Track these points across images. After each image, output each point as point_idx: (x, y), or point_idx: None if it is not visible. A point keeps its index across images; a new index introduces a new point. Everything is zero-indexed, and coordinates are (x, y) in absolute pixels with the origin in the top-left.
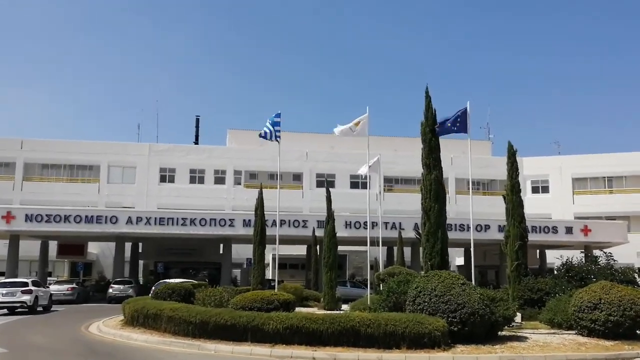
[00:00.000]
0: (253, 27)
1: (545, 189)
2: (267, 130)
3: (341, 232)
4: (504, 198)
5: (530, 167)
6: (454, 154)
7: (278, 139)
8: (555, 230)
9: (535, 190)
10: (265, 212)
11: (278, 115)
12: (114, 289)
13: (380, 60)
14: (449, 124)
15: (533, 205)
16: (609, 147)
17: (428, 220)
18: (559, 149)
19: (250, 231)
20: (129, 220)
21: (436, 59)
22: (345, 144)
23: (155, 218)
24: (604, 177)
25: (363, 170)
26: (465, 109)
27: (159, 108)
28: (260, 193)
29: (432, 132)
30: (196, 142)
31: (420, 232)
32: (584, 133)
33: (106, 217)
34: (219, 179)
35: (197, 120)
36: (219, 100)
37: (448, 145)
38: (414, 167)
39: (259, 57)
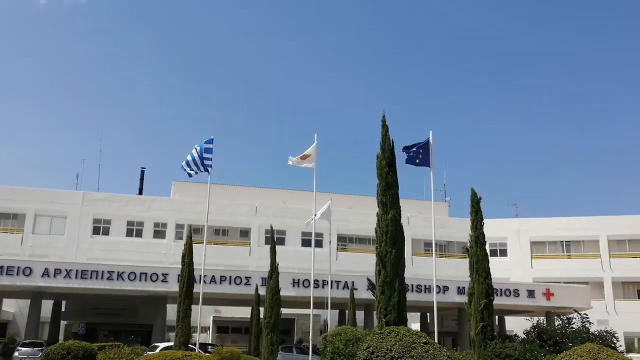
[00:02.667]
0: (206, 78)
1: (504, 252)
2: (192, 159)
3: (288, 291)
4: (467, 251)
5: (487, 230)
6: (410, 213)
7: (209, 169)
8: (516, 293)
9: (493, 253)
10: (204, 268)
11: (210, 142)
12: (20, 353)
13: (334, 115)
14: (412, 154)
15: (491, 269)
16: (567, 210)
17: (383, 267)
18: (517, 211)
19: None
20: (46, 273)
21: (395, 123)
22: (297, 199)
23: (77, 271)
24: (562, 242)
25: (315, 218)
26: (428, 141)
27: (103, 159)
28: (190, 237)
29: (389, 166)
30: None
31: (374, 282)
32: (541, 196)
33: (18, 267)
34: (159, 233)
35: (142, 172)
36: (166, 152)
37: (404, 205)
38: (369, 225)
39: (209, 110)
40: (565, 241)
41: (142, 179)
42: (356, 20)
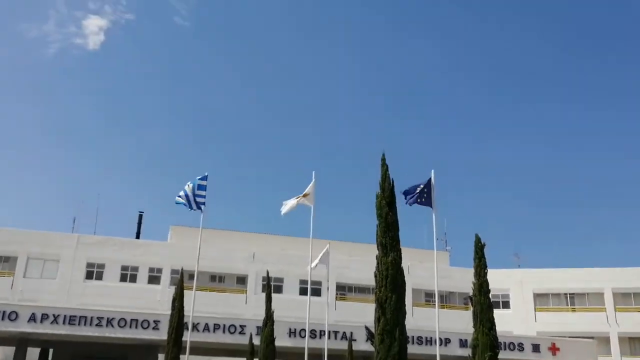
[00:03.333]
0: (202, 128)
1: (506, 304)
2: (184, 194)
3: (284, 341)
4: (471, 299)
5: (489, 280)
6: (410, 262)
7: (202, 207)
8: (521, 347)
9: (495, 305)
10: (192, 315)
11: (204, 178)
12: None
13: (333, 155)
14: (414, 195)
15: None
16: (571, 261)
17: (383, 314)
18: (519, 262)
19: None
20: (32, 318)
21: (397, 170)
22: (296, 246)
23: (65, 316)
24: (566, 294)
25: (313, 266)
26: (430, 180)
27: (100, 202)
28: (181, 281)
29: (389, 206)
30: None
31: (373, 331)
32: (544, 246)
33: (4, 312)
34: (154, 279)
35: (140, 217)
36: (164, 197)
37: (404, 253)
38: (369, 274)
39: (204, 157)
40: (569, 293)
41: (139, 223)
42: (339, 66)
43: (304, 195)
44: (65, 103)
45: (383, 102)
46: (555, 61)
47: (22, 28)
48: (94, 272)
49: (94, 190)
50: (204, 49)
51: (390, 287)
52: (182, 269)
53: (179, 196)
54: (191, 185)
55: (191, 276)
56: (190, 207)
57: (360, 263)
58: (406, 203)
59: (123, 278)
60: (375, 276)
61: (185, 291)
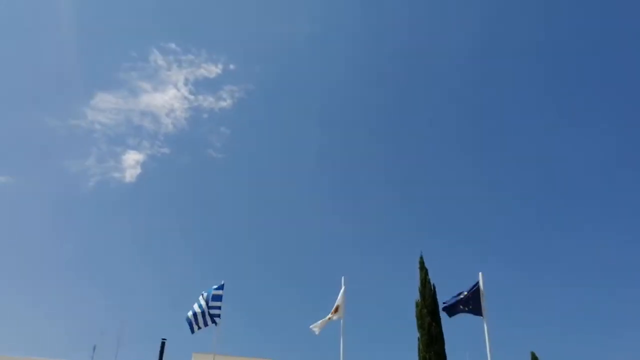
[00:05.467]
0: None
1: None
2: (200, 310)
3: None
4: None
5: None
6: None
7: (217, 320)
8: None
9: None
10: None
11: (221, 287)
12: None
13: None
14: (459, 304)
15: None
16: None
17: None
18: None
19: None
20: None
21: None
22: None
23: None
24: None
25: None
26: (477, 284)
27: (122, 330)
28: None
29: (431, 315)
30: None
31: None
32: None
33: None
34: None
35: (163, 344)
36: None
37: None
38: None
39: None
40: None
41: (162, 352)
42: None
43: (335, 310)
44: (98, 236)
45: None
46: None
47: (65, 164)
48: None
49: (116, 318)
50: (235, 181)
51: None
52: None
53: (193, 313)
54: (205, 294)
55: None
56: (203, 325)
57: None
58: (448, 313)
59: None
60: None
61: None
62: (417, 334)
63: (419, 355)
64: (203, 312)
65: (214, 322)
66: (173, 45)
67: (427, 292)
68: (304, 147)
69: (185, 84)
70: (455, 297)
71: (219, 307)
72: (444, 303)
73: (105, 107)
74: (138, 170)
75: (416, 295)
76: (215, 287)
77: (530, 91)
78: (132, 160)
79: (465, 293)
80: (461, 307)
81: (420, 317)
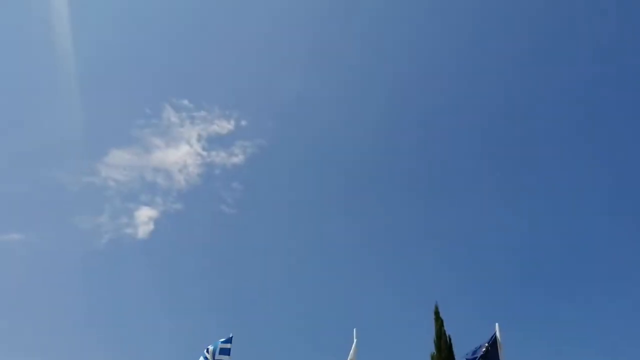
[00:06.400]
0: None
1: None
2: None
3: None
4: None
5: None
6: None
7: None
8: None
9: None
10: None
11: (229, 340)
12: None
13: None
14: (477, 357)
15: None
16: None
17: None
18: None
19: None
20: None
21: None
22: None
23: None
24: None
25: None
26: (495, 336)
27: None
28: None
29: None
30: None
31: None
32: None
33: None
34: None
35: None
36: None
37: None
38: None
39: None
40: None
41: None
42: None
43: None
44: (110, 293)
45: None
46: None
47: (77, 221)
48: None
49: None
50: (247, 236)
51: None
52: None
53: None
54: (211, 348)
55: None
56: None
57: None
58: None
59: None
60: None
61: None
62: None
63: None
64: None
65: None
66: (186, 102)
67: (443, 344)
68: (315, 203)
69: (198, 140)
70: (474, 352)
71: None
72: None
73: (119, 163)
74: (151, 227)
75: (431, 347)
76: (222, 340)
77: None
78: (145, 216)
79: (487, 345)
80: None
81: None
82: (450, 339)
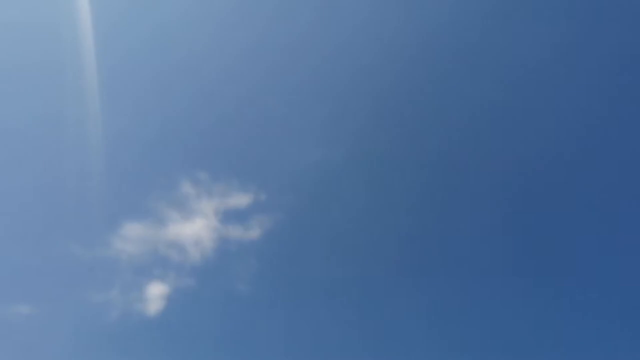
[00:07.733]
0: None
1: None
2: None
3: None
4: None
5: None
6: None
7: None
8: None
9: None
10: None
11: None
12: None
13: None
14: None
15: None
16: None
17: None
18: None
19: None
20: None
21: None
22: None
23: None
24: None
25: None
26: None
27: None
28: None
29: None
30: None
31: None
32: None
33: None
34: None
35: None
36: None
37: None
38: None
39: None
40: None
41: None
42: None
43: None
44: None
45: None
46: None
47: (87, 294)
48: None
49: None
50: (262, 315)
51: None
52: None
53: None
54: None
55: None
56: None
57: None
58: None
59: None
60: None
61: None
62: None
63: None
64: None
65: None
66: (203, 174)
67: None
68: (333, 280)
69: (215, 214)
70: None
71: None
72: None
73: (132, 236)
74: (162, 302)
75: None
76: None
77: None
78: (156, 291)
79: None
80: None
81: None
82: None
